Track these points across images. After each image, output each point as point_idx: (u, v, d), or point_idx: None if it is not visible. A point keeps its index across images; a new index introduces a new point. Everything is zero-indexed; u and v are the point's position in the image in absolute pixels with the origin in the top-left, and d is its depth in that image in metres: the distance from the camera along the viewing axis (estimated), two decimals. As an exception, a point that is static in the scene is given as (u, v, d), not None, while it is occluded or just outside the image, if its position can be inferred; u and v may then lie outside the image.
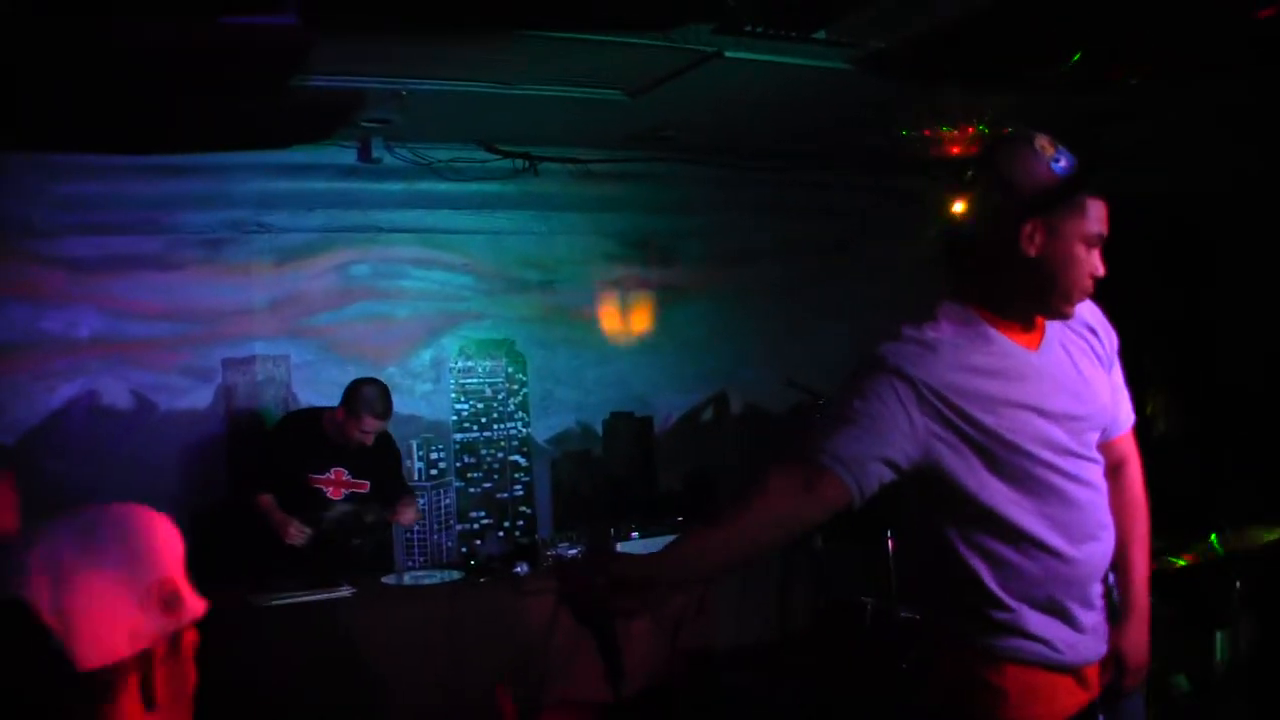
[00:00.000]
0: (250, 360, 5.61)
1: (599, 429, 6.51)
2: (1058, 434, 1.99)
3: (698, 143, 5.79)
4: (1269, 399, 5.29)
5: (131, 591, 1.32)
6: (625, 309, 6.66)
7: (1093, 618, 2.08)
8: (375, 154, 5.29)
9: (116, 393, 5.32)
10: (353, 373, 5.38)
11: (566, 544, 4.93)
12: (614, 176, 6.04)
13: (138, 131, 4.67)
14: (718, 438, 6.81)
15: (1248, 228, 5.55)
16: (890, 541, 4.64)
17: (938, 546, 2.06)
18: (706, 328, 6.79)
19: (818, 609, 5.14)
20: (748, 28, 3.91)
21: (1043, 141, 1.98)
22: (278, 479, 4.68)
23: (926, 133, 5.37)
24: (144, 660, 1.32)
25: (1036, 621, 2.01)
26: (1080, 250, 1.98)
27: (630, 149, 5.83)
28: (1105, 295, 2.13)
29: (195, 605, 1.40)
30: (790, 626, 5.24)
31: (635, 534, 5.05)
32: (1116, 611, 2.19)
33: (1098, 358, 2.16)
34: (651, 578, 1.95)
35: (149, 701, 1.32)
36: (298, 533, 4.54)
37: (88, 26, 3.26)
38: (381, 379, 4.84)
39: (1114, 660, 2.17)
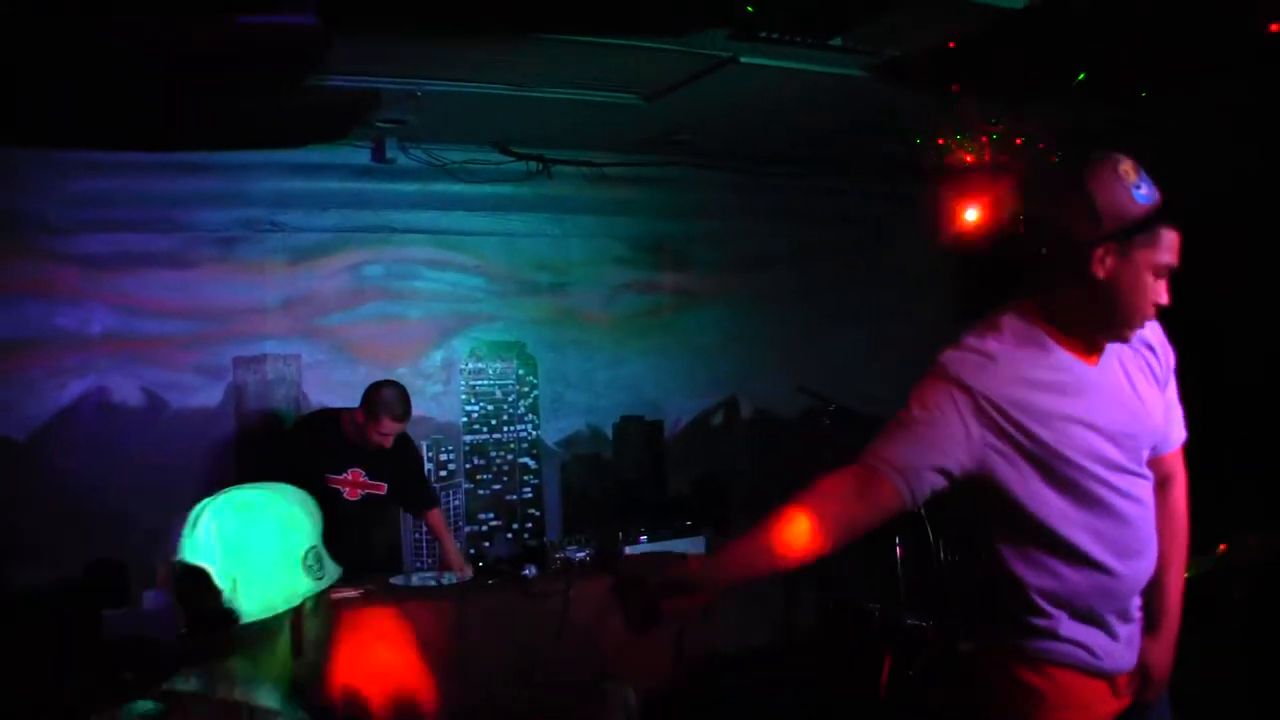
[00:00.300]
0: (261, 359, 5.61)
1: (609, 432, 6.51)
2: (1110, 450, 2.00)
3: (713, 147, 5.78)
4: (1270, 401, 5.25)
5: (285, 558, 1.58)
6: (637, 313, 6.65)
7: (1128, 629, 2.11)
8: (389, 154, 5.30)
9: (127, 390, 5.32)
10: (364, 373, 5.39)
11: (575, 547, 4.92)
12: (628, 180, 6.04)
13: (153, 130, 4.68)
14: (728, 442, 6.80)
15: (1248, 229, 5.51)
16: (898, 548, 4.63)
17: (982, 551, 2.08)
18: (720, 333, 6.79)
19: (823, 614, 5.13)
20: (763, 34, 3.91)
21: (1126, 166, 1.96)
22: (293, 477, 4.66)
23: (940, 141, 5.36)
24: (294, 615, 1.57)
25: (1074, 629, 2.04)
26: (1149, 278, 1.98)
27: (645, 153, 5.83)
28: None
29: (333, 570, 1.66)
30: (796, 630, 5.22)
31: (644, 537, 5.03)
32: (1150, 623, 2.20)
33: (1154, 375, 2.17)
34: (703, 581, 1.94)
35: (298, 648, 1.58)
36: None
37: (90, 26, 3.26)
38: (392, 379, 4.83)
39: (1139, 672, 2.17)
